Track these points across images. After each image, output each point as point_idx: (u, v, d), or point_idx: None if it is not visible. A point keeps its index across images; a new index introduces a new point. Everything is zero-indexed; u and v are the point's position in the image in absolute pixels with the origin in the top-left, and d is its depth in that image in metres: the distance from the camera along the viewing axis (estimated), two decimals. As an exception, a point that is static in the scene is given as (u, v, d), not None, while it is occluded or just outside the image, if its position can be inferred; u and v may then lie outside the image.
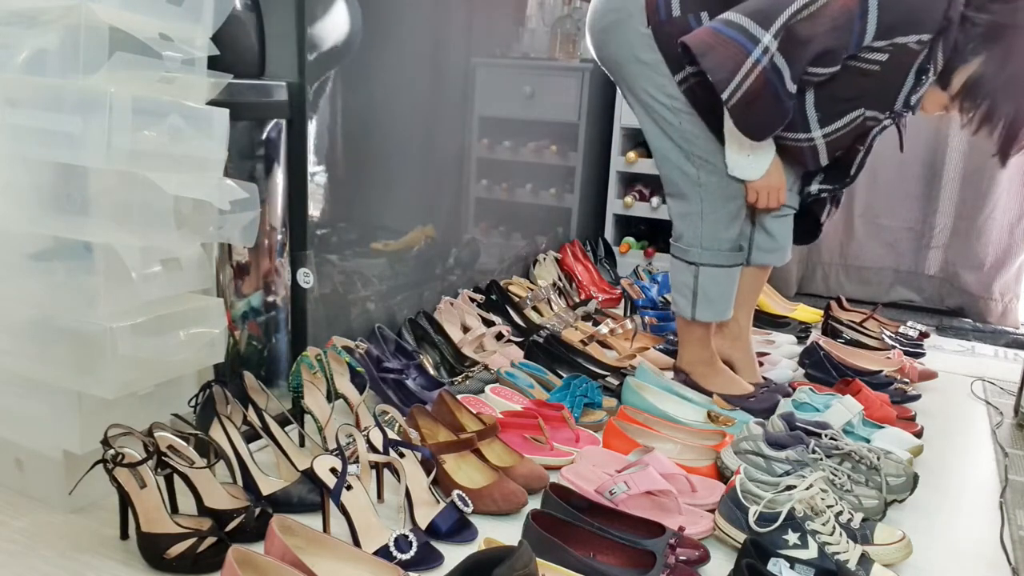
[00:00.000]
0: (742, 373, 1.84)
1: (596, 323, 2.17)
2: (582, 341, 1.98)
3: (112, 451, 1.08)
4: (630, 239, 3.04)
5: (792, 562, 1.05)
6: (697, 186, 1.65)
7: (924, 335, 2.33)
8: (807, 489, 1.14)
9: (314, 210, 1.65)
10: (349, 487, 1.12)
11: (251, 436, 1.30)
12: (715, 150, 1.62)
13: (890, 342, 2.23)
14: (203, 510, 1.14)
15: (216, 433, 1.25)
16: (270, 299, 1.62)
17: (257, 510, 1.14)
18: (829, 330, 2.28)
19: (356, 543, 1.09)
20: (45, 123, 1.11)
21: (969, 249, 2.78)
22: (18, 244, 1.22)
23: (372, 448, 1.21)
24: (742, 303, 1.86)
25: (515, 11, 2.42)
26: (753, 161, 1.61)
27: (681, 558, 1.09)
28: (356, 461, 1.17)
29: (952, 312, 2.85)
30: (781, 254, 1.82)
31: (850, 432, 1.51)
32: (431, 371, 1.76)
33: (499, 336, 2.02)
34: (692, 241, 1.69)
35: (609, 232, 3.04)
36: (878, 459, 1.34)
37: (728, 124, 1.58)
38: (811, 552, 1.08)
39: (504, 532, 1.20)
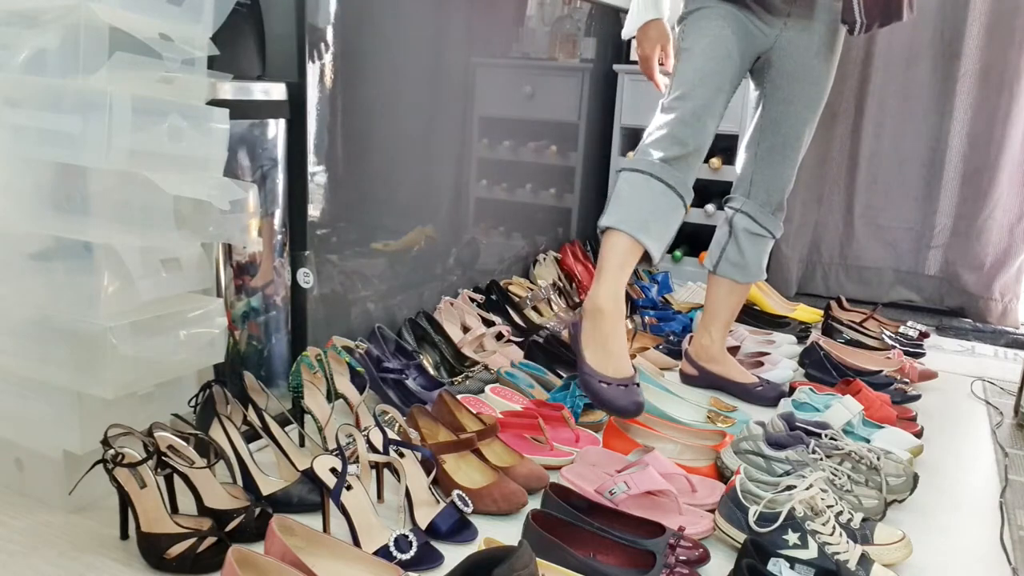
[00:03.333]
0: (735, 378, 1.86)
1: (596, 323, 2.17)
2: (582, 341, 1.98)
3: (112, 451, 1.08)
4: (630, 239, 3.04)
5: (792, 562, 1.05)
6: None
7: (924, 335, 2.33)
8: (807, 489, 1.14)
9: (314, 210, 1.65)
10: (349, 487, 1.12)
11: (251, 436, 1.30)
12: None
13: (890, 342, 2.23)
14: (203, 510, 1.14)
15: (216, 433, 1.25)
16: (270, 299, 1.62)
17: (257, 510, 1.14)
18: (829, 330, 2.28)
19: (356, 543, 1.09)
20: (45, 123, 1.11)
21: (969, 249, 2.78)
22: (18, 244, 1.22)
23: (372, 448, 1.21)
24: (715, 318, 1.87)
25: (515, 11, 2.42)
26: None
27: (681, 558, 1.09)
28: (356, 461, 1.17)
29: (952, 312, 2.85)
30: (746, 272, 1.84)
31: (850, 432, 1.51)
32: (431, 371, 1.76)
33: (499, 336, 2.01)
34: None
35: (609, 232, 3.04)
36: (878, 459, 1.34)
37: None
38: (811, 552, 1.08)
39: (504, 532, 1.20)
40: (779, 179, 1.78)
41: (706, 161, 2.82)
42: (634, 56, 2.94)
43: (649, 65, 1.77)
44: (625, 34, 1.81)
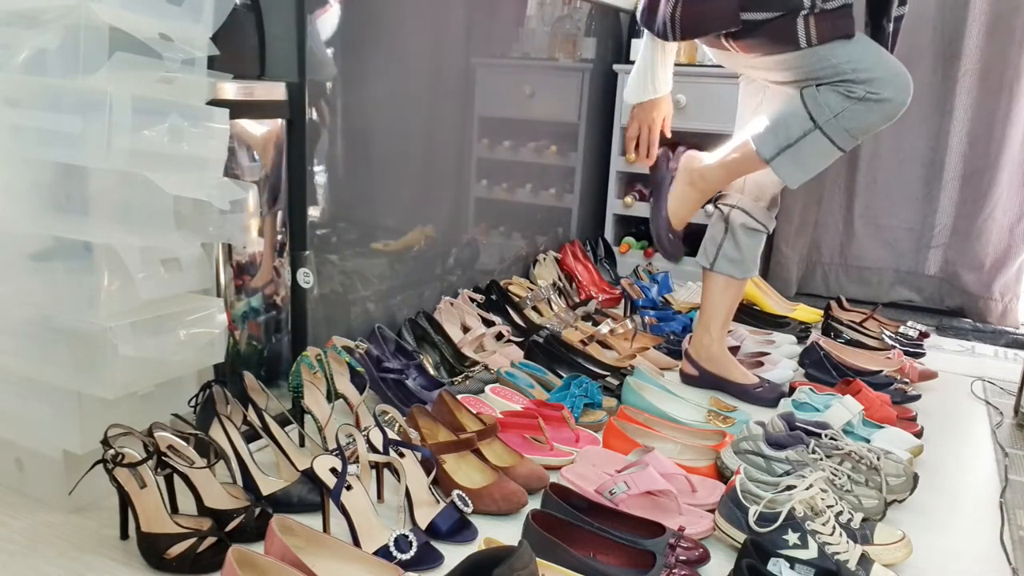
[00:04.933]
0: (735, 379, 1.86)
1: (596, 323, 2.17)
2: (582, 341, 1.98)
3: (112, 451, 1.08)
4: (630, 239, 3.04)
5: (792, 562, 1.05)
6: None
7: (924, 335, 2.33)
8: (807, 489, 1.14)
9: (314, 210, 1.65)
10: (349, 487, 1.12)
11: (251, 436, 1.30)
12: None
13: (890, 342, 2.23)
14: (203, 510, 1.14)
15: (216, 433, 1.25)
16: (270, 299, 1.62)
17: (257, 510, 1.14)
18: (829, 330, 2.28)
19: (356, 543, 1.09)
20: (45, 123, 1.11)
21: (969, 249, 2.78)
22: (18, 244, 1.22)
23: (372, 448, 1.21)
24: (714, 316, 1.87)
25: (515, 11, 2.42)
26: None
27: (681, 558, 1.09)
28: (356, 461, 1.17)
29: (952, 312, 2.85)
30: (743, 267, 1.84)
31: (850, 432, 1.51)
32: (431, 371, 1.76)
33: (499, 336, 2.01)
34: None
35: (609, 232, 3.04)
36: (878, 459, 1.34)
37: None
38: (811, 552, 1.08)
39: (504, 532, 1.20)
40: (772, 175, 1.78)
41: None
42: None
43: (653, 136, 1.77)
44: (632, 100, 1.76)
